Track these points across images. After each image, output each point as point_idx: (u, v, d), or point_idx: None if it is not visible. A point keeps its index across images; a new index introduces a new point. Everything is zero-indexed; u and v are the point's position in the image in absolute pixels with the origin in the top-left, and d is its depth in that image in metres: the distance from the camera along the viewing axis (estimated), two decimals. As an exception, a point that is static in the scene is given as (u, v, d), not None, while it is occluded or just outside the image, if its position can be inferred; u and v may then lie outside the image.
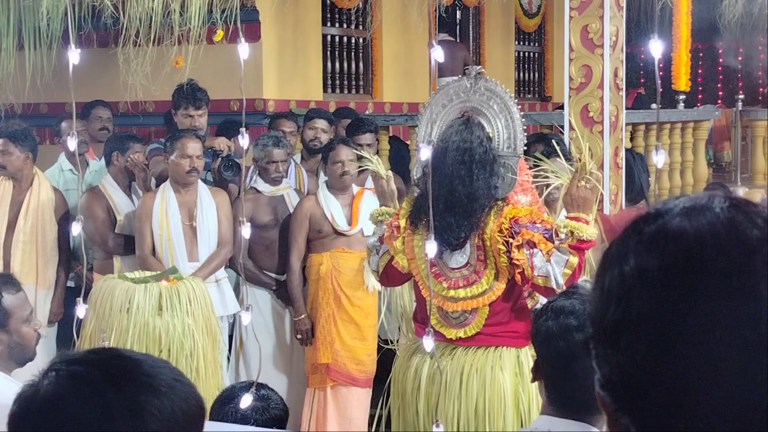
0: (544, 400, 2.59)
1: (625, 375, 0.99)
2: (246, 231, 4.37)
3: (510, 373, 4.18)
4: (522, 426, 4.10)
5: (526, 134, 4.34)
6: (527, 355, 4.22)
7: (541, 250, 4.02)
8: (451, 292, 4.21)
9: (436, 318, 4.24)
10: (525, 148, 4.37)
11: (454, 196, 4.10)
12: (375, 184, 4.71)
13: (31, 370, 1.46)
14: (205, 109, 6.50)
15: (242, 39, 3.93)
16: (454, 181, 4.11)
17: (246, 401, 3.51)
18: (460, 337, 4.24)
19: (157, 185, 6.00)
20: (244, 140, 4.12)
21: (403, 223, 4.30)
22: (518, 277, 4.11)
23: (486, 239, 4.11)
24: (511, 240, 4.04)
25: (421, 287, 4.28)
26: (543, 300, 4.35)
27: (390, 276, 4.47)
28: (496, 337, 4.23)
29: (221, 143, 6.36)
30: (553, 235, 4.06)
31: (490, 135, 4.23)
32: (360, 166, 6.07)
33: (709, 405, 0.95)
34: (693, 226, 0.99)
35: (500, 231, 4.07)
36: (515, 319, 4.25)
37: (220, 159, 6.17)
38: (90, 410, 1.34)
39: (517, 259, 4.03)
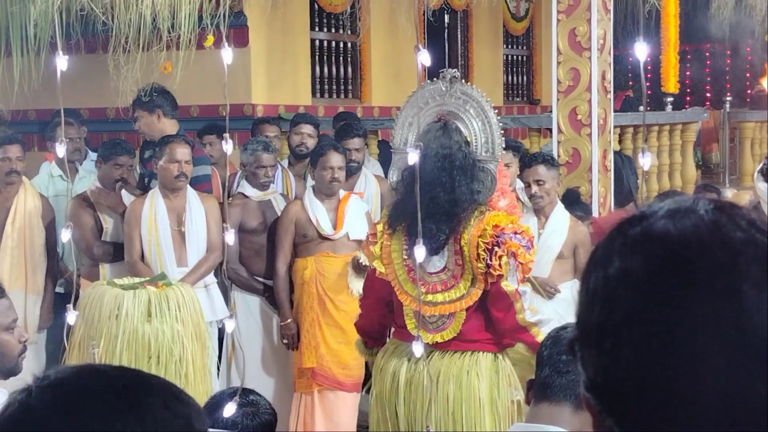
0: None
1: (609, 377, 0.99)
2: (230, 237, 4.35)
3: (486, 379, 4.13)
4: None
5: (503, 137, 4.32)
6: (504, 359, 4.20)
7: (521, 263, 4.02)
8: (429, 297, 4.16)
9: (413, 323, 4.19)
10: (503, 151, 4.36)
11: (436, 203, 4.04)
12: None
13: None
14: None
15: (226, 44, 3.92)
16: (435, 188, 4.05)
17: (230, 410, 3.50)
18: (437, 342, 4.19)
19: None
20: (228, 145, 4.10)
21: (380, 228, 4.26)
22: (488, 282, 4.06)
23: (464, 244, 4.06)
24: (496, 248, 4.00)
25: (397, 292, 4.23)
26: (526, 304, 4.35)
27: (375, 291, 4.42)
28: (473, 342, 4.18)
29: None
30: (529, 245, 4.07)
31: (468, 139, 4.18)
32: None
33: (694, 406, 0.94)
34: (677, 228, 0.99)
35: (481, 236, 4.02)
36: (492, 324, 4.20)
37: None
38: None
39: (496, 269, 4.00)
